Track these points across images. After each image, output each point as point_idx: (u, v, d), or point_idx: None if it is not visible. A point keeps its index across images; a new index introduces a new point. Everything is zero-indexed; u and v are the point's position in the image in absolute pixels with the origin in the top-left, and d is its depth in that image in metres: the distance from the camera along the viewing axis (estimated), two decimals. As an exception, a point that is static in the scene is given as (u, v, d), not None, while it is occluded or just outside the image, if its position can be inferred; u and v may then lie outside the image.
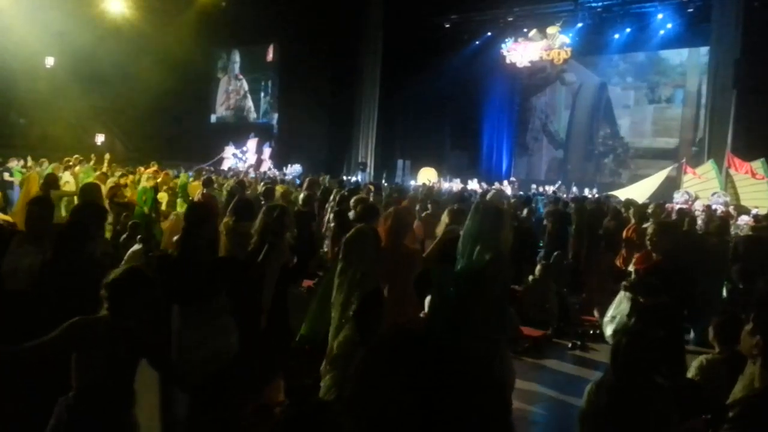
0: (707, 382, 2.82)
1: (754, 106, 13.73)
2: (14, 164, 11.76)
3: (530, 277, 6.36)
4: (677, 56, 18.40)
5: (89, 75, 18.49)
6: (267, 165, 19.82)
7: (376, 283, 3.40)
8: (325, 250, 6.94)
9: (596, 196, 14.02)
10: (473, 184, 16.47)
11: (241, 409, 2.88)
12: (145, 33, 18.48)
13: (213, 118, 24.36)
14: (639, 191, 14.25)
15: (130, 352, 2.43)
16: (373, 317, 2.89)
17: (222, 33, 20.79)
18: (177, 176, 11.42)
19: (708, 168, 13.66)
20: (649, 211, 7.35)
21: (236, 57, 23.83)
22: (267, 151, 20.72)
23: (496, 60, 19.25)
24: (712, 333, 3.05)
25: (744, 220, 9.47)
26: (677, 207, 10.81)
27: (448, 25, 19.35)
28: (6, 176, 11.36)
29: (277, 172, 17.72)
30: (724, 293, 5.97)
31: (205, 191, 8.19)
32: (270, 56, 22.43)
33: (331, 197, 7.94)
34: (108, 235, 6.17)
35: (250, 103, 23.55)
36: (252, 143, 20.77)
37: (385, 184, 13.83)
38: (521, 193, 14.64)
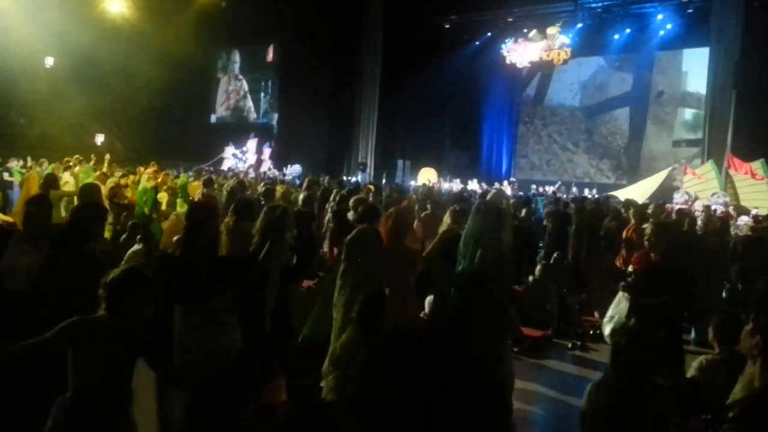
0: (707, 382, 2.82)
1: (753, 106, 13.74)
2: (14, 164, 11.77)
3: (530, 277, 6.36)
4: (677, 57, 18.41)
5: (89, 75, 18.49)
6: (267, 165, 19.81)
7: (378, 284, 3.40)
8: (325, 250, 6.95)
9: (596, 196, 14.03)
10: (473, 185, 16.48)
11: (241, 409, 2.89)
12: (145, 33, 18.48)
13: (213, 118, 24.36)
14: (639, 191, 14.27)
15: (127, 352, 2.43)
16: (376, 319, 2.89)
17: (222, 33, 20.79)
18: (177, 176, 11.41)
19: (708, 168, 13.68)
20: (649, 211, 7.35)
21: (236, 57, 23.83)
22: (267, 151, 20.72)
23: (496, 60, 19.25)
24: (711, 333, 3.05)
25: (744, 220, 9.49)
26: (677, 207, 10.82)
27: (448, 26, 19.35)
28: (6, 176, 11.37)
29: (276, 173, 17.72)
30: (724, 294, 5.98)
31: (205, 191, 8.19)
32: (270, 56, 22.43)
33: (331, 197, 7.95)
34: (108, 235, 6.17)
35: (250, 103, 23.55)
36: (252, 143, 20.77)
37: (385, 184, 13.83)
38: (521, 193, 14.64)
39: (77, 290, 2.73)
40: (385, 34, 19.54)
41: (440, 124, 21.44)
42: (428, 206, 7.15)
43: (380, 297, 3.02)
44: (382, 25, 19.46)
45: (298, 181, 13.60)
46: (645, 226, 5.07)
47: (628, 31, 17.63)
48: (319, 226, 7.43)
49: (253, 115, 23.49)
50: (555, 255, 7.20)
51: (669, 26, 16.99)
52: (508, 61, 18.84)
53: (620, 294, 5.28)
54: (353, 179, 16.77)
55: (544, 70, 20.09)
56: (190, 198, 8.65)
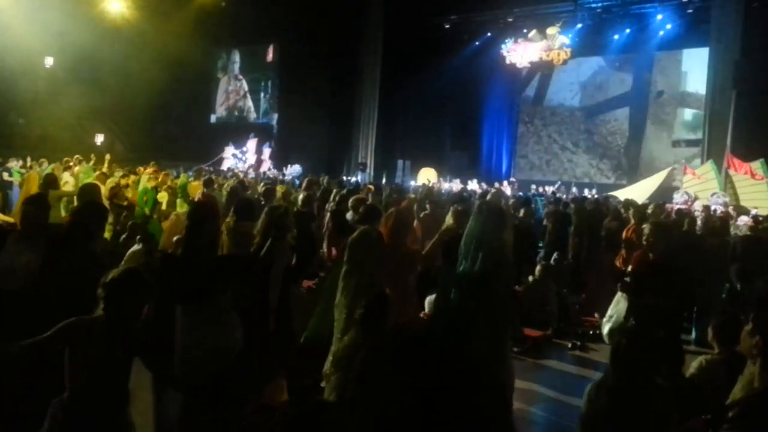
0: (707, 383, 2.83)
1: (753, 106, 13.75)
2: (14, 164, 11.76)
3: (530, 277, 6.36)
4: (677, 57, 18.41)
5: (89, 75, 18.49)
6: (267, 165, 19.81)
7: (381, 285, 3.40)
8: (325, 250, 6.95)
9: (595, 196, 14.03)
10: (473, 185, 16.48)
11: (241, 409, 2.89)
12: (144, 33, 18.48)
13: (213, 118, 24.36)
14: (639, 192, 14.28)
15: (125, 352, 2.44)
16: (379, 321, 2.90)
17: (222, 33, 20.78)
18: (177, 176, 11.41)
19: (707, 168, 13.68)
20: (649, 211, 7.36)
21: (236, 57, 23.83)
22: (267, 151, 20.71)
23: (495, 60, 19.25)
24: (711, 333, 3.05)
25: (743, 220, 9.49)
26: (677, 207, 10.83)
27: (448, 26, 19.36)
28: (5, 176, 11.36)
29: (276, 173, 17.72)
30: (724, 294, 5.98)
31: (205, 191, 8.19)
32: (270, 56, 22.42)
33: (331, 197, 7.95)
34: (108, 235, 6.17)
35: (249, 103, 23.55)
36: (252, 143, 20.76)
37: (385, 185, 13.83)
38: (520, 193, 14.64)
39: (78, 290, 2.73)
40: (385, 34, 19.54)
41: (440, 124, 21.44)
42: (427, 206, 7.16)
43: (384, 299, 3.02)
44: (382, 25, 19.46)
45: (297, 182, 13.59)
46: (644, 226, 5.08)
47: (627, 31, 17.64)
48: (320, 227, 7.43)
49: (252, 115, 23.49)
50: (555, 255, 7.20)
51: (669, 26, 17.00)
52: (507, 62, 18.84)
53: (619, 294, 5.29)
54: (353, 179, 16.77)
55: (543, 70, 20.10)
56: (190, 198, 8.65)
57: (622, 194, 13.81)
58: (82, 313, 2.46)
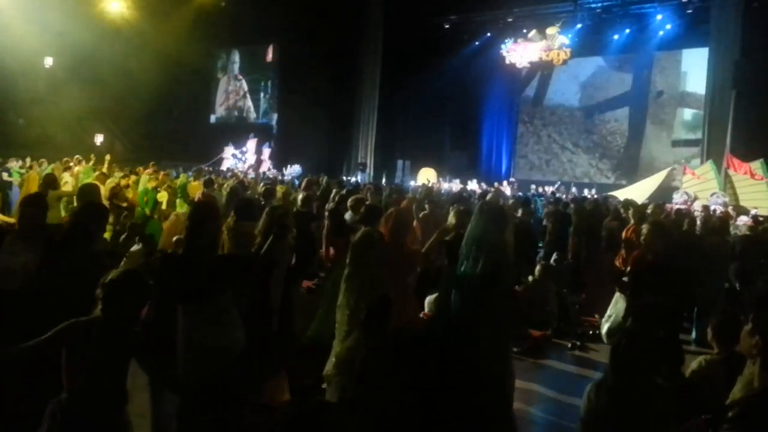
0: (706, 383, 2.83)
1: (753, 106, 13.75)
2: (14, 164, 11.76)
3: (530, 277, 6.36)
4: (676, 57, 18.42)
5: (88, 75, 18.49)
6: (266, 165, 19.81)
7: (384, 287, 3.39)
8: (323, 250, 6.94)
9: (595, 196, 14.04)
10: (473, 185, 16.48)
11: (241, 408, 2.89)
12: (144, 33, 18.48)
13: (212, 118, 24.36)
14: (638, 192, 14.29)
15: (122, 353, 2.45)
16: (382, 322, 2.90)
17: (222, 33, 20.78)
18: (176, 177, 11.41)
19: (707, 168, 13.69)
20: (649, 211, 7.36)
21: (236, 57, 23.83)
22: (266, 151, 20.71)
23: (495, 60, 19.26)
24: (710, 333, 3.05)
25: (743, 220, 9.50)
26: (676, 207, 10.84)
27: (447, 26, 19.36)
28: (5, 176, 11.36)
29: (276, 173, 17.72)
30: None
31: (205, 191, 8.20)
32: (270, 56, 22.42)
33: (331, 197, 7.95)
34: (108, 235, 6.16)
35: (249, 103, 23.55)
36: (251, 143, 20.76)
37: (385, 185, 13.83)
38: (519, 193, 14.65)
39: (78, 290, 2.73)
40: (385, 34, 19.54)
41: (440, 125, 21.45)
42: (426, 206, 7.16)
43: (387, 302, 3.02)
44: (382, 25, 19.46)
45: (297, 182, 13.59)
46: (643, 226, 5.09)
47: (627, 31, 17.65)
48: (319, 227, 7.43)
49: (252, 115, 23.49)
50: (555, 255, 7.20)
51: (668, 26, 17.01)
52: (507, 62, 18.85)
53: (618, 294, 5.30)
54: (353, 179, 16.77)
55: (543, 70, 20.11)
56: (190, 198, 8.64)
57: (621, 194, 13.82)
58: (82, 314, 2.46)
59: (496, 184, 16.58)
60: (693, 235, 6.67)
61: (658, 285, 3.92)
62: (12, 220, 5.58)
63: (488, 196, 9.70)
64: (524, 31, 18.46)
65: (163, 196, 8.93)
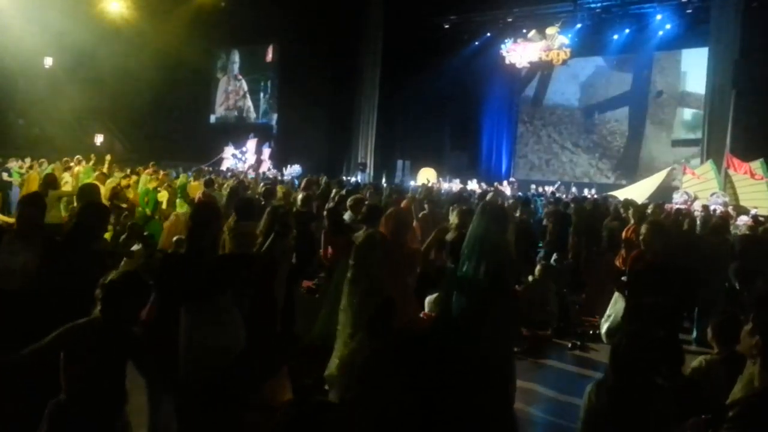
0: (707, 382, 2.83)
1: (753, 106, 13.76)
2: (14, 165, 11.76)
3: (530, 277, 6.36)
4: (676, 57, 18.42)
5: (88, 75, 18.48)
6: (266, 165, 19.81)
7: (387, 289, 3.39)
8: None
9: (595, 196, 14.04)
10: (473, 185, 16.49)
11: (241, 408, 2.89)
12: (144, 33, 18.47)
13: (212, 118, 24.36)
14: (638, 191, 14.28)
15: (120, 354, 2.45)
16: (386, 324, 2.90)
17: (222, 33, 20.78)
18: (176, 177, 11.41)
19: (707, 168, 13.69)
20: (649, 211, 7.36)
21: (236, 57, 23.83)
22: (266, 151, 20.71)
23: (495, 60, 19.26)
24: (710, 333, 3.05)
25: (743, 220, 9.49)
26: (676, 207, 10.84)
27: (447, 26, 19.37)
28: (5, 177, 11.36)
29: (276, 173, 17.72)
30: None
31: (206, 191, 8.20)
32: (270, 56, 22.42)
33: (331, 197, 7.95)
34: (108, 235, 6.16)
35: (249, 103, 23.55)
36: (251, 143, 20.76)
37: (385, 185, 13.83)
38: (519, 193, 14.65)
39: (81, 290, 2.73)
40: (385, 34, 19.54)
41: (440, 124, 21.45)
42: (426, 206, 7.16)
43: (392, 305, 3.03)
44: (382, 25, 19.46)
45: (297, 182, 13.59)
46: (642, 226, 5.08)
47: (627, 31, 17.65)
48: (319, 227, 7.43)
49: (252, 115, 23.49)
50: (555, 255, 7.20)
51: (668, 26, 17.01)
52: (507, 61, 18.85)
53: (617, 293, 5.30)
54: (353, 179, 16.77)
55: (543, 70, 20.11)
56: (190, 198, 8.64)
57: (621, 194, 13.81)
58: (83, 314, 2.46)
59: (496, 184, 16.58)
60: (693, 234, 6.67)
61: (656, 285, 3.92)
62: (12, 220, 5.58)
63: (488, 196, 9.70)
64: (524, 31, 18.46)
65: (163, 196, 8.93)
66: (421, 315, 4.49)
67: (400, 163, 20.70)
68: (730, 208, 11.02)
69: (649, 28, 17.41)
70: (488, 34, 19.49)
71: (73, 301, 2.69)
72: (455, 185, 16.59)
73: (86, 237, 3.30)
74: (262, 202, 6.03)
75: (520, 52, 18.56)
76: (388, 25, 19.21)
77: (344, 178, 15.92)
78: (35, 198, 3.70)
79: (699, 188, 13.31)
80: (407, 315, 3.71)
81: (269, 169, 18.90)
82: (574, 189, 16.59)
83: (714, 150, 14.27)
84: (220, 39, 21.67)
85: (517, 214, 7.77)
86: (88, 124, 20.08)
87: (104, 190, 7.67)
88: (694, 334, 5.83)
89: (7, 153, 12.81)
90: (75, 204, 5.87)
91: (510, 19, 18.63)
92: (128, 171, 11.31)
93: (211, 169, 16.28)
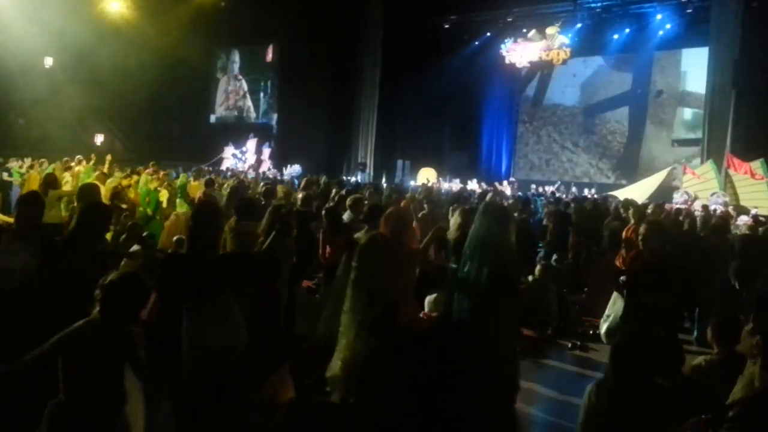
0: (706, 382, 2.83)
1: (753, 106, 13.76)
2: (14, 165, 11.76)
3: (530, 277, 6.36)
4: (676, 56, 18.42)
5: (88, 75, 18.48)
6: (266, 165, 19.81)
7: (390, 291, 3.39)
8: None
9: (595, 196, 14.04)
10: (473, 185, 16.49)
11: (241, 408, 2.89)
12: (144, 33, 18.47)
13: (212, 118, 24.36)
14: (638, 191, 14.28)
15: (119, 355, 2.45)
16: (390, 325, 2.90)
17: (222, 33, 20.78)
18: (176, 177, 11.41)
19: (707, 168, 13.69)
20: (649, 211, 7.36)
21: (236, 57, 23.82)
22: (266, 151, 20.71)
23: (495, 60, 19.26)
24: (710, 333, 3.05)
25: (743, 220, 9.49)
26: (676, 207, 10.83)
27: (447, 26, 19.36)
28: (5, 176, 11.36)
29: (276, 172, 17.73)
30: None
31: (206, 191, 8.21)
32: (270, 56, 22.42)
33: (331, 197, 7.95)
34: (108, 235, 6.16)
35: (249, 103, 23.55)
36: (251, 143, 20.76)
37: (385, 185, 13.83)
38: (519, 193, 14.66)
39: (82, 290, 2.73)
40: (385, 34, 19.54)
41: (440, 124, 21.45)
42: (425, 206, 7.16)
43: (396, 307, 3.03)
44: (382, 25, 19.46)
45: (297, 182, 13.59)
46: (641, 225, 5.07)
47: (627, 31, 17.65)
48: (319, 226, 7.42)
49: (252, 115, 23.49)
50: (555, 255, 7.20)
51: (668, 26, 17.01)
52: (507, 61, 18.85)
53: (615, 293, 5.29)
54: (353, 179, 16.77)
55: (543, 70, 20.11)
56: (190, 198, 8.65)
57: (621, 194, 13.81)
58: (84, 314, 2.46)
59: (495, 184, 16.58)
60: (693, 234, 6.66)
61: (655, 285, 3.91)
62: (12, 220, 5.58)
63: (487, 197, 9.70)
64: (524, 30, 18.45)
65: (163, 195, 8.94)
66: (421, 315, 4.48)
67: (400, 163, 20.70)
68: (730, 208, 11.02)
69: (650, 27, 17.41)
70: (488, 34, 19.49)
71: (74, 302, 2.69)
72: (455, 185, 16.59)
73: (88, 237, 3.30)
74: (263, 202, 6.03)
75: (520, 52, 18.56)
76: (388, 25, 19.21)
77: (344, 178, 15.92)
78: (33, 197, 3.70)
79: (699, 188, 13.30)
80: (407, 315, 3.71)
81: (269, 169, 18.90)
82: (574, 189, 16.58)
83: (714, 150, 14.26)
84: (220, 39, 21.67)
85: (516, 215, 7.77)
86: (89, 123, 20.08)
87: (104, 190, 7.66)
88: (695, 334, 5.83)
89: (8, 153, 12.82)
90: (75, 204, 5.86)
91: (510, 19, 18.62)
92: (128, 171, 11.31)
93: (211, 168, 16.29)
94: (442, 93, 19.79)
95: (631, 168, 18.99)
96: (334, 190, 8.52)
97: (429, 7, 18.02)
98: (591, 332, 5.99)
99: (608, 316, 5.59)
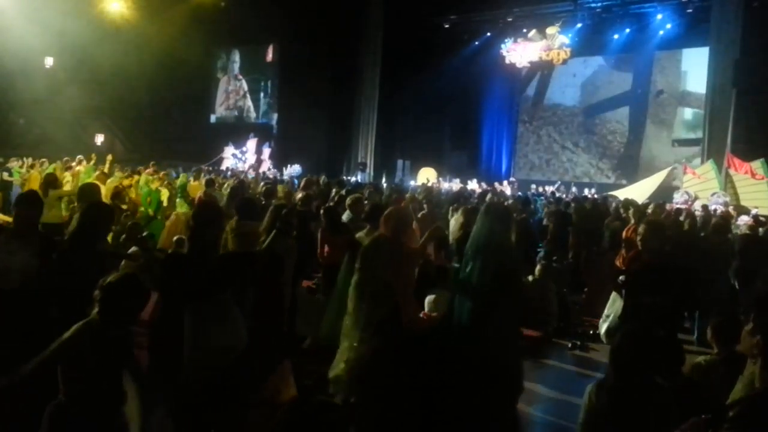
0: (706, 382, 2.83)
1: (753, 106, 13.75)
2: (14, 164, 11.76)
3: (530, 277, 6.36)
4: (676, 56, 18.41)
5: (89, 75, 18.48)
6: (266, 165, 19.81)
7: (393, 292, 3.38)
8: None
9: (595, 196, 14.03)
10: (473, 185, 16.49)
11: (242, 407, 2.89)
12: (144, 33, 18.48)
13: (213, 118, 24.36)
14: (639, 191, 14.28)
15: (117, 356, 2.46)
16: (394, 326, 2.90)
17: (222, 33, 20.78)
18: (176, 177, 11.41)
19: (708, 168, 13.68)
20: (649, 211, 7.36)
21: (236, 57, 23.83)
22: (266, 151, 20.71)
23: (495, 60, 19.26)
24: (710, 333, 3.05)
25: (744, 220, 9.49)
26: (676, 207, 10.83)
27: (447, 26, 19.37)
28: (5, 176, 11.36)
29: (276, 172, 17.73)
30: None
31: (207, 190, 8.21)
32: (270, 56, 22.42)
33: (331, 197, 7.95)
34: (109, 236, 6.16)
35: (249, 103, 23.55)
36: (251, 143, 20.76)
37: (385, 185, 13.83)
38: (519, 193, 14.65)
39: (82, 291, 2.73)
40: (385, 34, 19.54)
41: (440, 124, 21.44)
42: (425, 206, 7.16)
43: (398, 311, 3.03)
44: (382, 25, 19.46)
45: (296, 181, 13.59)
46: (640, 225, 5.07)
47: (627, 30, 17.65)
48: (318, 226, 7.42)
49: (252, 115, 23.49)
50: (555, 256, 7.20)
51: (669, 26, 17.01)
52: (507, 61, 18.85)
53: (614, 293, 5.29)
54: (353, 179, 16.77)
55: (543, 69, 20.11)
56: (190, 198, 8.65)
57: (622, 194, 13.81)
58: (83, 315, 2.46)
59: (495, 184, 16.57)
60: (693, 234, 6.66)
61: (653, 285, 3.91)
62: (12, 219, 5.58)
63: (487, 197, 9.71)
64: (524, 30, 18.45)
65: (164, 194, 8.96)
66: (421, 315, 4.49)
67: (400, 163, 20.70)
68: (730, 208, 11.02)
69: (650, 27, 17.41)
70: (488, 34, 19.49)
71: (73, 302, 2.69)
72: (455, 185, 16.59)
73: (91, 238, 3.30)
74: (263, 202, 6.03)
75: (520, 52, 18.56)
76: (388, 25, 19.21)
77: (344, 178, 15.92)
78: (32, 197, 3.69)
79: (699, 188, 13.30)
80: (407, 315, 3.71)
81: (269, 169, 18.90)
82: (574, 189, 16.58)
83: (715, 150, 14.26)
84: (220, 39, 21.67)
85: (516, 215, 7.77)
86: (89, 123, 20.08)
87: (105, 190, 7.67)
88: (695, 334, 5.83)
89: (8, 153, 12.82)
90: (75, 204, 5.87)
91: (510, 19, 18.62)
92: (129, 171, 11.31)
93: (211, 168, 16.28)
94: (442, 93, 19.79)
95: (631, 168, 18.99)
96: (334, 190, 8.52)
97: (429, 7, 18.02)
98: (591, 332, 5.99)
99: (608, 316, 5.59)
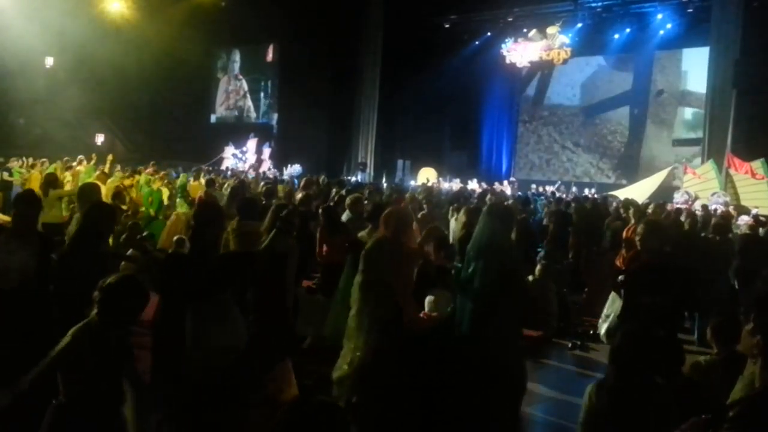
0: (706, 382, 2.83)
1: (753, 106, 13.75)
2: (14, 164, 11.77)
3: (530, 277, 6.36)
4: (677, 56, 18.41)
5: (89, 75, 18.48)
6: (267, 165, 19.81)
7: (394, 292, 3.38)
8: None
9: (596, 196, 14.03)
10: (473, 185, 16.49)
11: (242, 407, 2.89)
12: (144, 33, 18.48)
13: (213, 118, 24.36)
14: (639, 191, 14.27)
15: (117, 356, 2.46)
16: (397, 327, 2.91)
17: (222, 33, 20.78)
18: (176, 177, 11.41)
19: (708, 168, 13.68)
20: (649, 211, 7.36)
21: (236, 57, 23.83)
22: (267, 151, 20.71)
23: (495, 60, 19.26)
24: (710, 333, 3.05)
25: (744, 220, 9.48)
26: (677, 207, 10.83)
27: (447, 25, 19.36)
28: (5, 176, 11.37)
29: (276, 172, 17.73)
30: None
31: (207, 190, 8.22)
32: (270, 56, 22.42)
33: (331, 197, 7.95)
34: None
35: (249, 103, 23.55)
36: (252, 143, 20.76)
37: (385, 185, 13.83)
38: (519, 193, 14.65)
39: (85, 292, 2.72)
40: (385, 34, 19.54)
41: (440, 124, 21.44)
42: (425, 206, 7.16)
43: (400, 311, 3.03)
44: (382, 25, 19.46)
45: (297, 181, 13.59)
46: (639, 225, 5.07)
47: (628, 30, 17.64)
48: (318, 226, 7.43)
49: (252, 115, 23.49)
50: (555, 256, 7.20)
51: (669, 26, 17.01)
52: (507, 61, 18.84)
53: (613, 293, 5.30)
54: (353, 179, 16.77)
55: (543, 69, 20.10)
56: (191, 198, 8.65)
57: (622, 194, 13.81)
58: (83, 315, 2.47)
59: (496, 184, 16.57)
60: (694, 234, 6.66)
61: (652, 285, 3.91)
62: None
63: (487, 198, 9.71)
64: (524, 30, 18.45)
65: (165, 193, 8.97)
66: (421, 315, 4.49)
67: (400, 163, 20.70)
68: (730, 208, 11.02)
69: (650, 27, 17.40)
70: (488, 34, 19.48)
71: (73, 302, 2.69)
72: (455, 185, 16.58)
73: (93, 239, 3.30)
74: (263, 202, 6.03)
75: (520, 52, 18.55)
76: (388, 25, 19.21)
77: (345, 177, 15.92)
78: (30, 197, 3.69)
79: (700, 188, 13.30)
80: (407, 315, 3.71)
81: (269, 169, 18.90)
82: (574, 189, 16.57)
83: (715, 149, 14.26)
84: (220, 39, 21.67)
85: (517, 214, 7.77)
86: (89, 123, 20.08)
87: (105, 190, 7.66)
88: (695, 334, 5.83)
89: (8, 153, 12.81)
90: (75, 203, 5.87)
91: (510, 19, 18.62)
92: (129, 171, 11.32)
93: (211, 168, 16.28)
94: (442, 93, 19.79)
95: (631, 168, 18.98)
96: (334, 190, 8.53)
97: (429, 7, 18.02)
98: (591, 332, 5.99)
99: (607, 316, 5.59)
